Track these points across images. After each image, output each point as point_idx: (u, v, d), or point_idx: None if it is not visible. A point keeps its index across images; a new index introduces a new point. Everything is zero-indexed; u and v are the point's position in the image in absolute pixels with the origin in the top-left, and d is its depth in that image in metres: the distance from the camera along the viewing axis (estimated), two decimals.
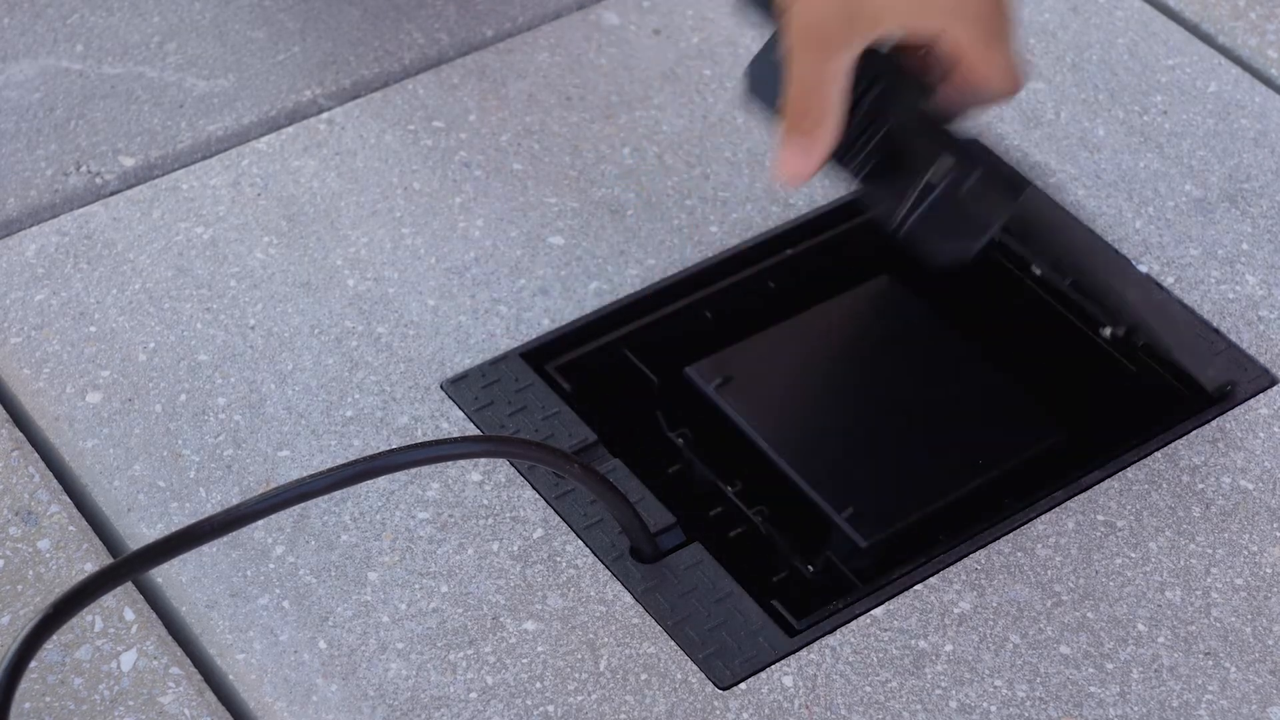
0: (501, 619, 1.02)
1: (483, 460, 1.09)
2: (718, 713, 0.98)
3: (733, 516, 1.13)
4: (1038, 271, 1.15)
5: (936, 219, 0.99)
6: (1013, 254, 1.21)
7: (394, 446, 1.10)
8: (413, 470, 1.09)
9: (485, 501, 1.08)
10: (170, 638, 1.03)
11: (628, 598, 1.03)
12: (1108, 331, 1.13)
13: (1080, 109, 1.32)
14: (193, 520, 1.07)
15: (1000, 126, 1.30)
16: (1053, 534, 1.05)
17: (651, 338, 1.19)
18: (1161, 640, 1.01)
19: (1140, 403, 1.15)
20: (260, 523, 1.06)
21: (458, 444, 0.98)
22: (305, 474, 1.08)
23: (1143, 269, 1.20)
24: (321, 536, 1.06)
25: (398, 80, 1.35)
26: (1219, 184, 1.26)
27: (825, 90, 0.96)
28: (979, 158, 0.98)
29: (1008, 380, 1.17)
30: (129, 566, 0.90)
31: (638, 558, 1.05)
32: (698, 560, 1.05)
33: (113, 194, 1.27)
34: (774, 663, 1.00)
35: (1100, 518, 1.06)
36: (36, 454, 1.12)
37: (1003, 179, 0.98)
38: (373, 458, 0.93)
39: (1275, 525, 1.06)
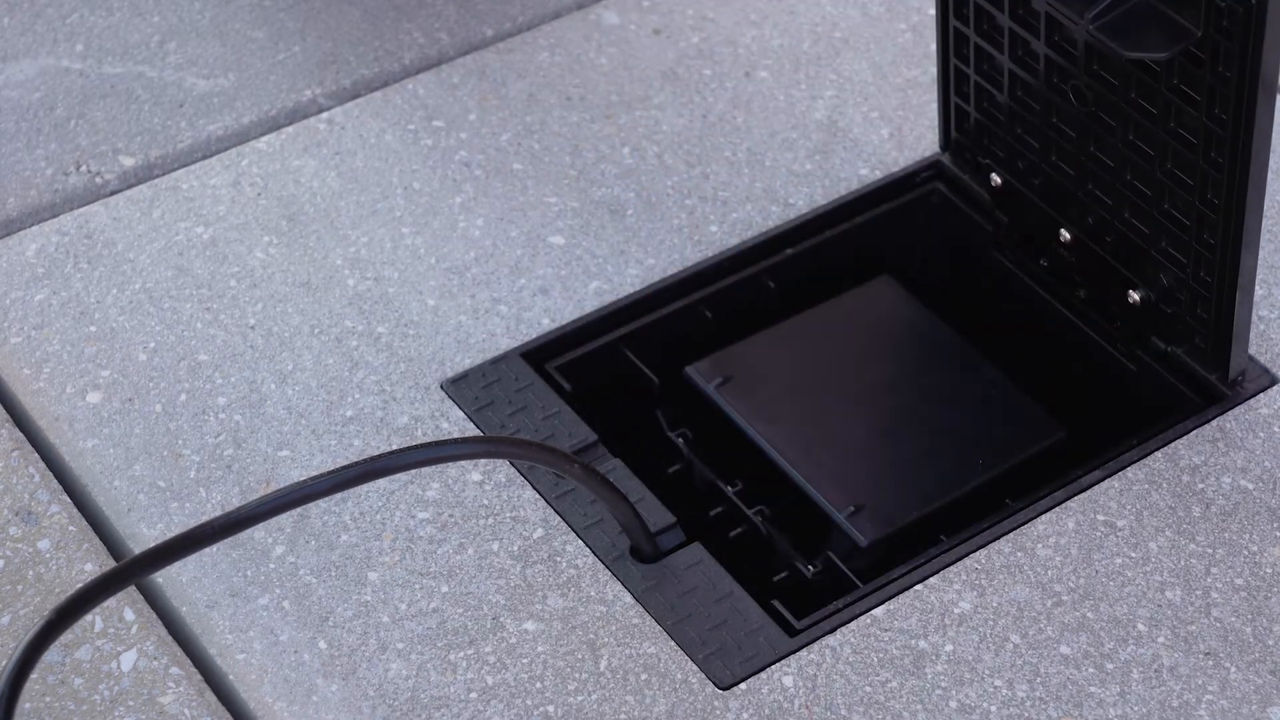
0: (501, 619, 1.02)
1: (483, 460, 1.09)
2: (718, 713, 0.98)
3: (733, 516, 1.13)
4: (1067, 237, 1.14)
5: (1132, 20, 0.98)
6: (1013, 253, 1.21)
7: (394, 447, 1.10)
8: (413, 470, 1.09)
9: (485, 501, 1.08)
10: (170, 638, 1.03)
11: (628, 598, 1.03)
12: (1137, 296, 1.11)
13: None
14: (193, 521, 1.07)
15: None
16: (1053, 534, 1.05)
17: (651, 338, 1.19)
18: (1161, 640, 1.01)
19: (1140, 403, 1.15)
20: (260, 523, 1.06)
21: (458, 444, 0.98)
22: (306, 474, 1.09)
23: None
24: (321, 536, 1.06)
25: (398, 80, 1.35)
26: None
27: None
28: None
29: (1008, 380, 1.17)
30: (131, 571, 0.90)
31: (638, 558, 1.05)
32: (698, 560, 1.05)
33: (113, 194, 1.27)
34: (774, 663, 1.00)
35: (1100, 518, 1.06)
36: (36, 454, 1.12)
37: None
38: (375, 459, 0.93)
39: (1275, 525, 1.06)
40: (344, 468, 0.91)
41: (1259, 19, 0.93)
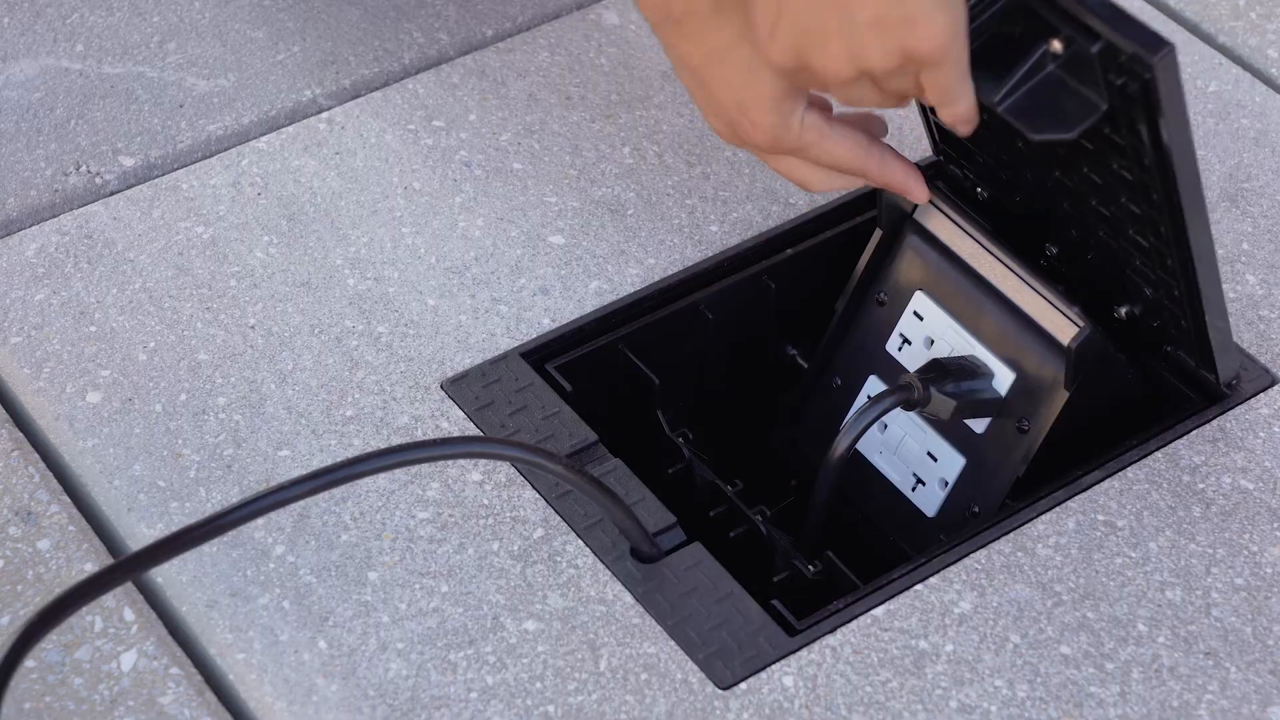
0: (501, 619, 1.02)
1: (483, 460, 1.09)
2: (718, 713, 0.98)
3: (733, 516, 1.13)
4: (1052, 252, 1.13)
5: (1039, 97, 0.98)
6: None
7: (391, 446, 1.10)
8: (412, 470, 1.09)
9: (485, 501, 1.08)
10: (170, 638, 1.03)
11: (628, 598, 1.03)
12: (1123, 311, 1.11)
13: None
14: (193, 520, 1.07)
15: None
16: (1053, 534, 1.05)
17: (651, 338, 1.19)
18: (1161, 640, 1.01)
19: (1140, 402, 1.15)
20: (260, 522, 1.06)
21: (450, 445, 0.98)
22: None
23: None
24: (321, 536, 1.06)
25: (398, 80, 1.35)
26: (1219, 183, 1.26)
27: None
28: (1101, 25, 0.94)
29: None
30: (113, 576, 0.90)
31: (638, 557, 1.05)
32: (698, 560, 1.05)
33: (113, 194, 1.27)
34: (774, 663, 1.00)
35: (1100, 518, 1.06)
36: (36, 454, 1.12)
37: (1115, 61, 0.94)
38: (356, 461, 0.93)
39: (1275, 525, 1.06)
40: (319, 471, 0.92)
41: (1154, 92, 0.93)
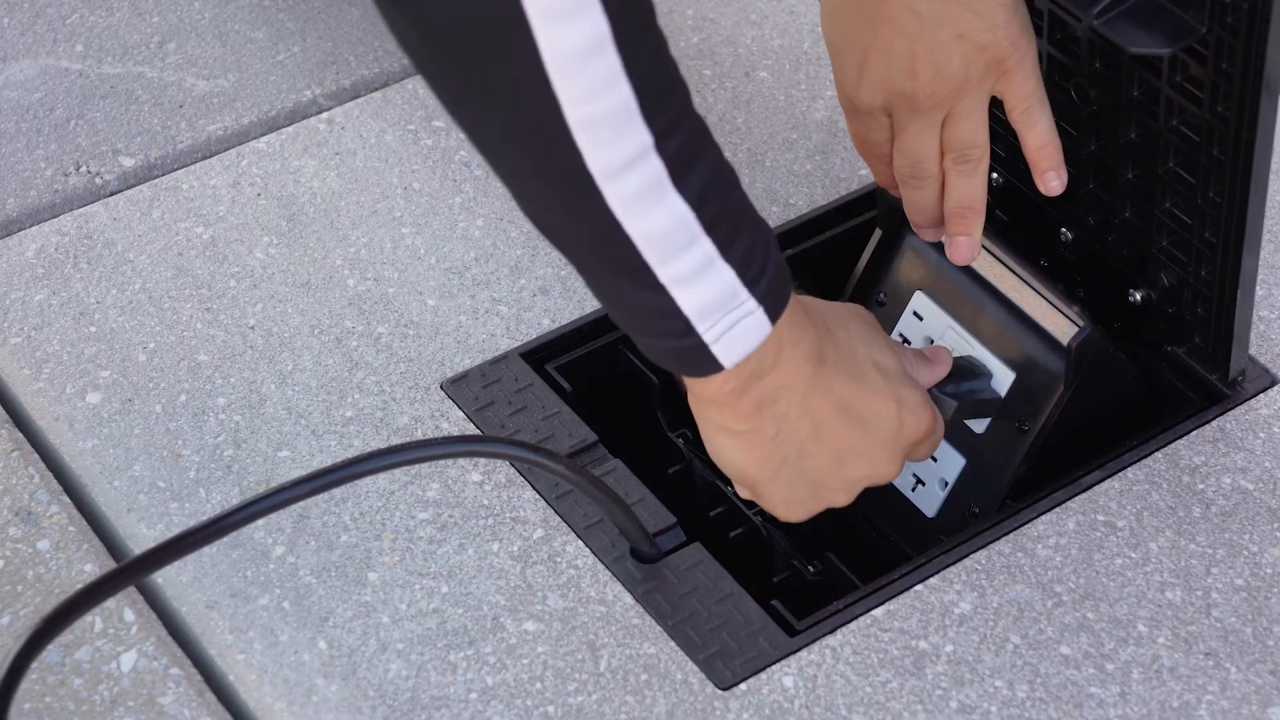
0: (501, 619, 1.02)
1: (482, 460, 1.09)
2: (718, 713, 0.98)
3: (733, 517, 1.13)
4: (1068, 237, 1.13)
5: (1137, 16, 0.98)
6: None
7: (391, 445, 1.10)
8: (412, 470, 1.09)
9: (485, 502, 1.08)
10: (170, 638, 1.03)
11: (628, 598, 1.03)
12: (1138, 296, 1.11)
13: None
14: (192, 521, 1.07)
15: None
16: (1053, 534, 1.05)
17: None
18: (1162, 640, 1.01)
19: (1140, 402, 1.15)
20: (260, 522, 1.06)
21: (450, 444, 0.98)
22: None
23: None
24: (321, 537, 1.06)
25: (398, 80, 1.35)
26: None
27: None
28: None
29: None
30: (108, 586, 0.91)
31: (638, 558, 1.05)
32: (698, 560, 1.05)
33: (113, 194, 1.27)
34: (774, 663, 1.00)
35: (1100, 518, 1.06)
36: (36, 454, 1.12)
37: None
38: (356, 461, 0.93)
39: (1275, 525, 1.06)
40: (319, 472, 0.92)
41: (1263, 16, 0.93)
